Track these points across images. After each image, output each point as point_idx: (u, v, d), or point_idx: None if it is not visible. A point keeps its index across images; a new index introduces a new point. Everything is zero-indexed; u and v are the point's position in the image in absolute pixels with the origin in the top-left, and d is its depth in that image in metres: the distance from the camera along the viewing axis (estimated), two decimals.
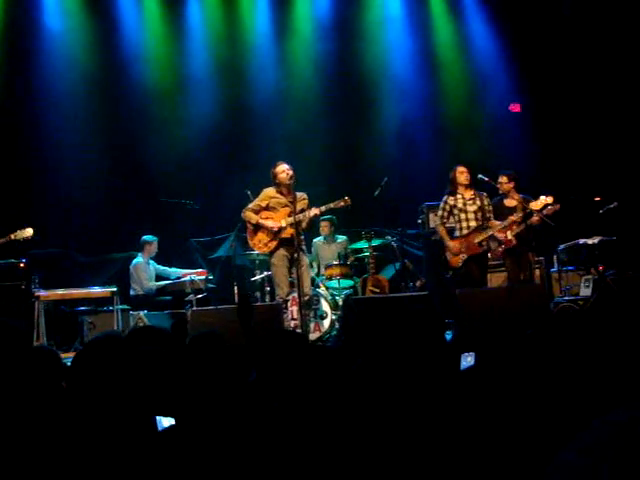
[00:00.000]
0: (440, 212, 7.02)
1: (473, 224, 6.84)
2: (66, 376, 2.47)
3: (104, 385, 2.23)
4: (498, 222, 6.88)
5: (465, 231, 6.84)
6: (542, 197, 6.84)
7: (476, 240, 6.80)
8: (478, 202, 6.87)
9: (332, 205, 6.51)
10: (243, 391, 2.44)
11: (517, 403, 2.38)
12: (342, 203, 6.45)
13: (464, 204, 6.86)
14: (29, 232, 6.62)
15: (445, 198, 6.98)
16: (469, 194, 6.89)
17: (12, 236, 6.58)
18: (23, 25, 8.73)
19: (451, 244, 6.84)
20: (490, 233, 6.84)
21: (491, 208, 6.95)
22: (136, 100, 9.06)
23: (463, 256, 6.77)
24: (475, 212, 6.85)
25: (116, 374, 2.24)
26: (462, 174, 6.89)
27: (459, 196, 6.91)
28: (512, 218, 6.87)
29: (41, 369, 2.58)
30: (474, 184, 6.94)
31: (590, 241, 7.83)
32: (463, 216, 6.85)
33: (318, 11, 9.54)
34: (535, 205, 6.83)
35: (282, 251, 6.49)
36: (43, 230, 8.39)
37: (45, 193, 8.61)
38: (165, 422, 2.10)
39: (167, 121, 9.13)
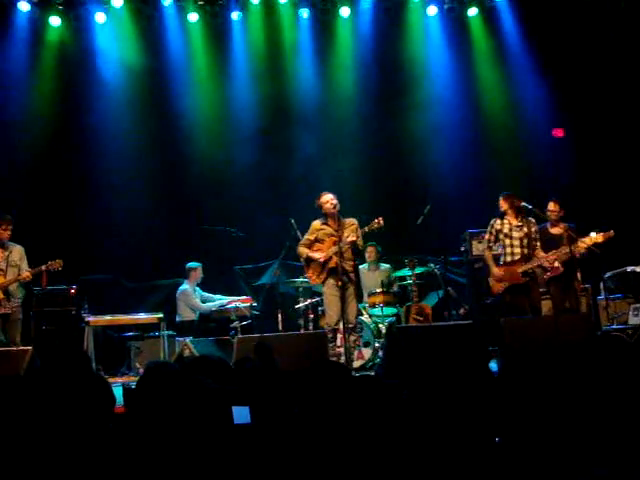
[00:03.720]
0: (487, 236, 6.87)
1: (517, 251, 6.70)
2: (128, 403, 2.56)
3: (162, 414, 2.31)
4: (543, 253, 6.74)
5: (509, 258, 6.71)
6: (592, 234, 6.68)
7: (520, 270, 6.67)
8: (525, 229, 6.74)
9: (366, 228, 6.55)
10: (288, 421, 2.48)
11: (560, 430, 2.37)
12: (376, 225, 6.48)
13: (510, 230, 6.73)
14: (59, 263, 6.82)
15: (492, 222, 6.84)
16: (517, 221, 6.77)
17: (43, 267, 6.78)
18: (77, 68, 9.13)
19: (495, 270, 6.72)
20: (536, 264, 6.73)
21: (538, 236, 6.79)
22: (182, 130, 9.34)
23: (505, 284, 6.67)
24: (521, 239, 6.70)
25: (173, 403, 2.33)
26: (508, 200, 6.78)
27: (506, 221, 6.77)
28: (564, 250, 6.71)
29: (94, 395, 2.68)
30: (523, 211, 6.78)
31: (638, 268, 7.68)
32: (507, 242, 6.72)
33: (360, 42, 9.65)
34: (583, 243, 6.67)
35: (331, 280, 6.57)
36: (93, 257, 8.67)
37: (95, 222, 8.88)
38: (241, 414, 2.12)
39: (212, 150, 9.36)
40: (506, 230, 6.72)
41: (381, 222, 6.45)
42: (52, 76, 9.08)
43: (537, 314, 6.69)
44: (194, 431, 2.36)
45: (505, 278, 6.66)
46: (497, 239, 6.80)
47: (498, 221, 6.78)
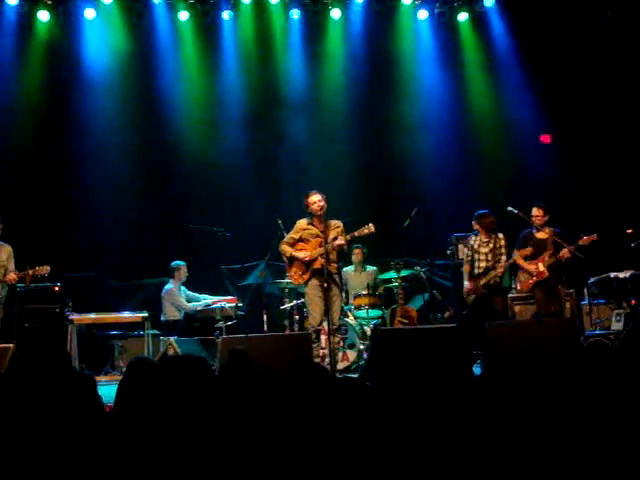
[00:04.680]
0: (466, 251, 7.38)
1: (482, 265, 7.11)
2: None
3: (146, 412, 2.31)
4: (503, 262, 7.05)
5: (476, 271, 7.15)
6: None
7: (481, 282, 7.08)
8: (491, 244, 7.10)
9: (356, 233, 6.52)
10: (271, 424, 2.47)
11: (546, 435, 2.38)
12: (366, 231, 6.47)
13: (479, 245, 7.16)
14: (46, 269, 6.82)
15: (469, 239, 7.37)
16: (485, 237, 7.15)
17: (30, 272, 6.76)
18: (65, 63, 9.08)
19: (465, 284, 7.24)
20: (494, 275, 7.03)
21: (503, 250, 7.10)
22: (170, 128, 9.30)
23: (472, 296, 7.14)
24: (486, 254, 7.10)
25: (155, 401, 2.32)
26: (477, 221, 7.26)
27: (478, 238, 7.20)
28: (546, 256, 7.06)
29: (79, 393, 2.66)
30: (492, 228, 7.17)
31: (622, 274, 7.76)
32: (476, 256, 7.16)
33: (350, 43, 9.66)
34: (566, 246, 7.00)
35: (315, 281, 6.53)
36: (77, 254, 8.61)
37: (79, 219, 8.83)
38: None
39: (199, 146, 9.33)
40: (476, 246, 7.18)
41: (372, 229, 6.44)
42: (40, 71, 9.01)
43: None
44: (175, 428, 2.35)
45: (472, 290, 7.13)
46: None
47: (473, 238, 7.27)
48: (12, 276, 6.76)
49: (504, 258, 7.07)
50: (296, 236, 6.69)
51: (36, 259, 7.08)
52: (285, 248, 6.69)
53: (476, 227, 7.21)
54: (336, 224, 6.64)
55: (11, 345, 6.13)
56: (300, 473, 2.19)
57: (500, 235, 7.14)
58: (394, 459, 2.27)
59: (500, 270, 7.02)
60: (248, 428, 2.45)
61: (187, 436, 2.35)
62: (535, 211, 7.17)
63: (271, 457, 2.24)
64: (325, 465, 2.20)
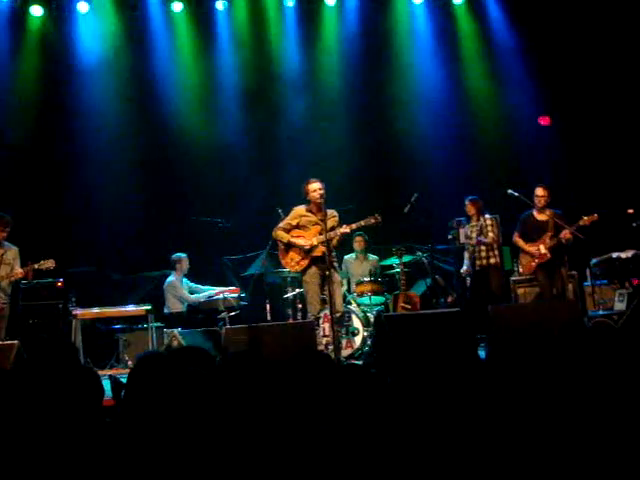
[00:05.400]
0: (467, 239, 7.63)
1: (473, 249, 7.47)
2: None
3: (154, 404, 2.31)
4: (490, 238, 7.29)
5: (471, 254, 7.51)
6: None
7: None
8: (478, 228, 7.35)
9: (362, 222, 6.49)
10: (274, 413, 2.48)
11: (550, 418, 2.38)
12: (372, 220, 6.44)
13: (471, 232, 7.45)
14: (51, 263, 6.87)
15: (466, 227, 7.63)
16: (475, 221, 7.44)
17: (35, 266, 6.82)
18: (59, 57, 9.05)
19: (464, 267, 7.63)
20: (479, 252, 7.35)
21: (489, 229, 7.33)
22: (169, 122, 9.27)
23: (468, 278, 7.60)
24: (476, 236, 7.37)
25: (163, 394, 2.32)
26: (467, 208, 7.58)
27: (470, 224, 7.48)
28: (544, 244, 7.16)
29: (83, 388, 2.67)
30: (482, 210, 7.45)
31: (624, 255, 7.75)
32: (469, 241, 7.46)
33: (346, 30, 9.62)
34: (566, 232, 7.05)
35: (314, 269, 6.46)
36: (78, 249, 8.61)
37: (79, 213, 8.82)
38: None
39: (199, 142, 9.30)
40: (469, 232, 7.47)
41: (379, 219, 6.40)
42: (34, 65, 8.99)
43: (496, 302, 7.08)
44: (189, 422, 2.36)
45: (468, 273, 7.53)
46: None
47: (467, 226, 7.55)
48: (19, 271, 6.89)
49: (491, 235, 7.24)
50: (293, 222, 6.61)
51: (37, 255, 7.08)
52: (281, 234, 6.60)
53: (472, 212, 7.45)
54: (332, 213, 6.57)
55: (15, 342, 6.15)
56: (305, 461, 2.20)
57: (487, 216, 7.33)
58: (399, 445, 2.27)
59: (484, 246, 7.25)
60: (254, 417, 2.46)
61: (195, 428, 2.36)
62: (540, 191, 7.16)
63: (277, 446, 2.24)
64: (330, 452, 2.20)
